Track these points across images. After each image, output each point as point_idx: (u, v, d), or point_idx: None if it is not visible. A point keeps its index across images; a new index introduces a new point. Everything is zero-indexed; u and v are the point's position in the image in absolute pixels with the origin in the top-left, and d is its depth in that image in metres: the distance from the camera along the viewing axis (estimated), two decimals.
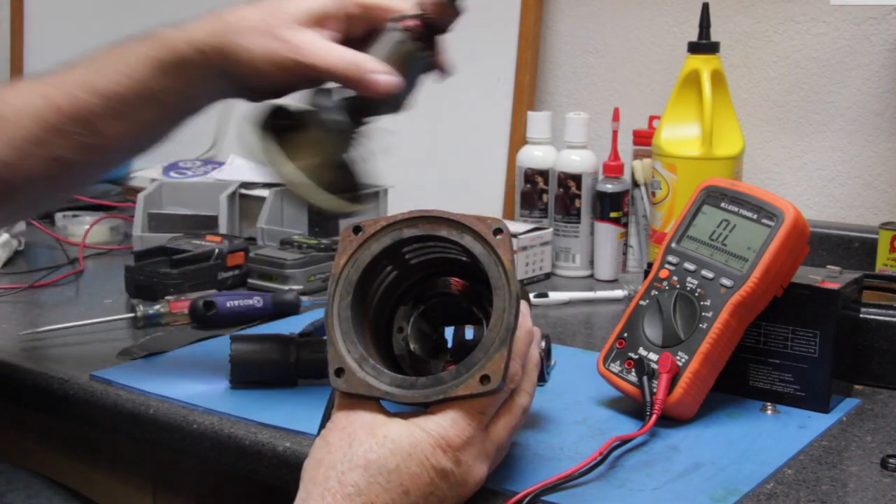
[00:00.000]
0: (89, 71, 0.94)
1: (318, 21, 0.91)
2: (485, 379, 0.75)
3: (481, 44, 1.62)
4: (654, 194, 1.38)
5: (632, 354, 0.95)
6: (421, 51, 0.92)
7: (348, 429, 0.75)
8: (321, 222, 1.48)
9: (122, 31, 2.06)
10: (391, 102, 0.92)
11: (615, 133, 1.47)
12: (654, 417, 0.90)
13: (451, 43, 1.64)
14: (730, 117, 1.36)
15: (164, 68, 0.93)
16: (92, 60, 0.95)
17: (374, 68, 0.89)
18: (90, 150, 0.94)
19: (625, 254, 1.48)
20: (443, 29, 0.93)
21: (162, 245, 1.39)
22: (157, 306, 1.20)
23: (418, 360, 0.84)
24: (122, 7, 2.02)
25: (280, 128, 0.90)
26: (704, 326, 0.93)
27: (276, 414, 0.95)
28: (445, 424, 0.74)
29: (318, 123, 0.90)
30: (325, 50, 0.89)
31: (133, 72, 0.93)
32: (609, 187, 1.45)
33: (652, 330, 0.96)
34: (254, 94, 0.94)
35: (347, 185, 0.92)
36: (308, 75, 0.90)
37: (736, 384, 1.00)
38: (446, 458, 0.74)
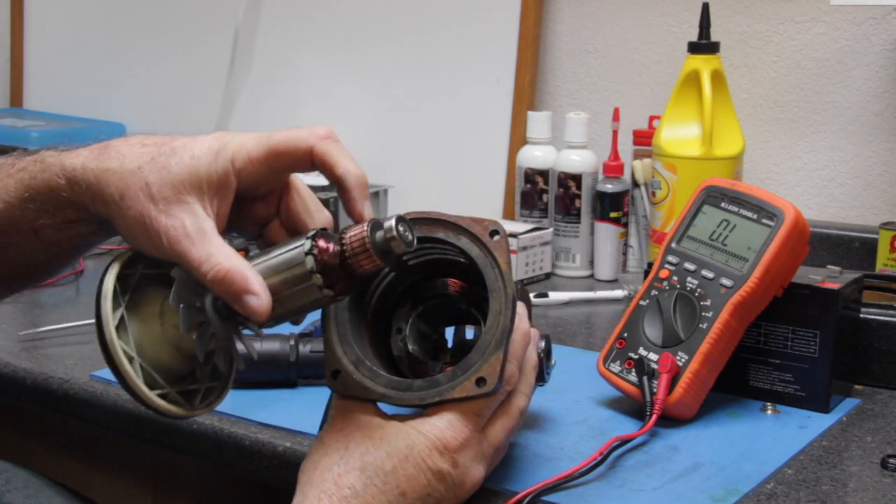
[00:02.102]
0: None
1: (207, 187, 0.74)
2: (480, 381, 0.75)
3: (481, 44, 1.62)
4: (654, 194, 1.38)
5: (632, 354, 0.95)
6: (322, 287, 0.72)
7: (345, 430, 0.75)
8: None
9: (121, 30, 2.06)
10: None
11: (615, 133, 1.47)
12: (654, 417, 0.90)
13: (451, 43, 1.65)
14: (730, 117, 1.35)
15: (34, 199, 0.77)
16: None
17: (245, 288, 0.72)
18: None
19: (625, 254, 1.48)
20: (358, 275, 0.74)
21: None
22: None
23: (416, 361, 0.83)
24: (122, 7, 2.02)
25: (145, 279, 0.75)
26: (704, 326, 0.93)
27: (276, 414, 0.95)
28: (442, 426, 0.74)
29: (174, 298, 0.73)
30: (197, 246, 0.72)
31: (7, 195, 0.78)
32: (609, 187, 1.45)
33: (652, 330, 0.96)
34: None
35: (185, 379, 0.76)
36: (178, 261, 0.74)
37: (736, 384, 1.00)
38: (443, 460, 0.74)
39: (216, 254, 0.72)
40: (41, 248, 0.79)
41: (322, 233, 0.74)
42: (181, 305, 0.73)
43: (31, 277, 0.85)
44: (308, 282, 0.73)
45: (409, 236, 0.74)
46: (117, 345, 0.72)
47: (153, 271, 0.76)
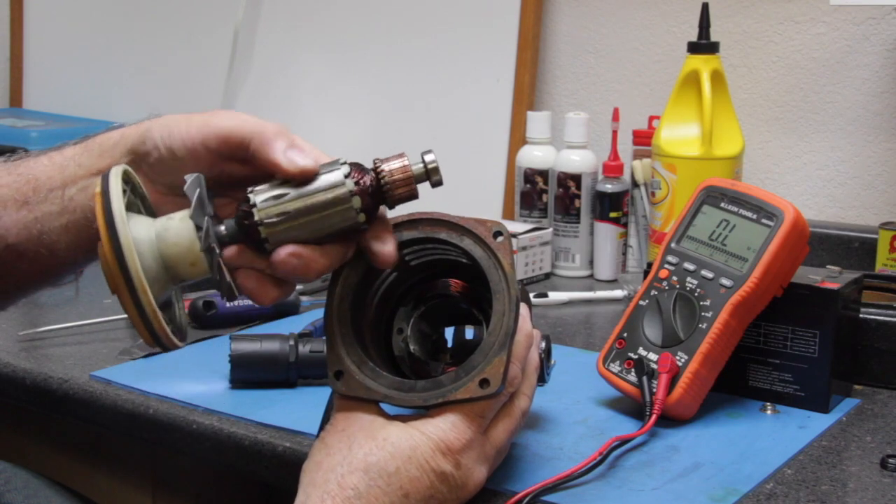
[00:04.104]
0: (30, 155, 0.86)
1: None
2: (484, 383, 0.75)
3: (481, 44, 1.62)
4: (653, 194, 1.38)
5: (631, 354, 0.95)
6: (358, 211, 0.75)
7: (347, 431, 0.75)
8: None
9: (121, 30, 2.06)
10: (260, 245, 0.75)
11: (615, 133, 1.47)
12: (653, 417, 0.90)
13: (451, 43, 1.65)
14: (729, 117, 1.36)
15: (85, 151, 0.83)
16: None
17: (288, 143, 0.76)
18: None
19: (624, 254, 1.48)
20: (389, 203, 0.76)
21: None
22: None
23: (418, 362, 0.83)
24: (122, 8, 2.02)
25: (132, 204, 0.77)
26: (704, 326, 0.93)
27: (276, 414, 0.95)
28: (445, 428, 0.74)
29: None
30: (239, 115, 0.79)
31: (59, 156, 0.84)
32: (609, 187, 1.45)
33: (652, 330, 0.96)
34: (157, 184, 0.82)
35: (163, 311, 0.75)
36: (217, 136, 0.78)
37: (736, 384, 1.00)
38: (446, 461, 0.74)
39: (270, 122, 0.77)
40: (55, 214, 0.82)
41: (351, 164, 0.76)
42: (206, 218, 0.73)
43: (37, 254, 0.85)
44: (349, 213, 0.74)
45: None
46: (129, 235, 0.70)
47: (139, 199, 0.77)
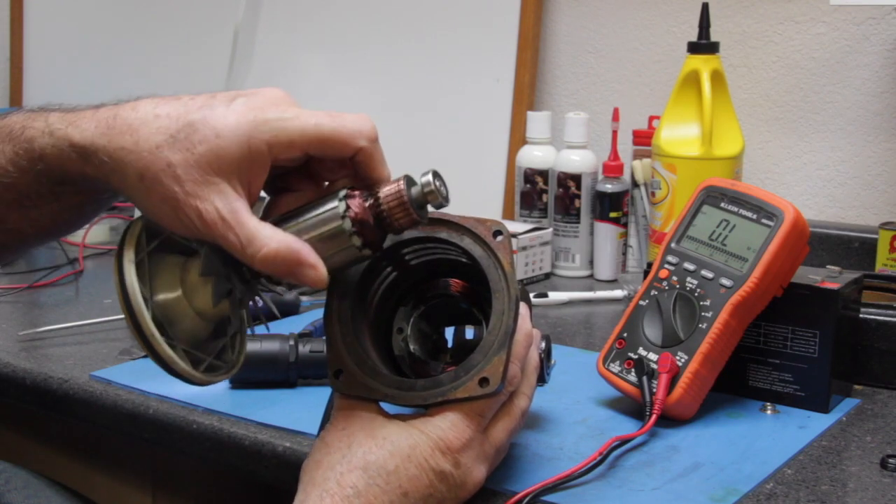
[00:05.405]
0: (25, 123, 0.76)
1: (238, 168, 0.71)
2: (483, 382, 0.75)
3: (481, 44, 1.62)
4: (653, 194, 1.38)
5: (631, 354, 0.95)
6: (355, 243, 0.74)
7: (347, 430, 0.75)
8: None
9: (121, 30, 2.06)
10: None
11: (615, 133, 1.47)
12: (653, 417, 0.90)
13: (451, 43, 1.65)
14: (729, 117, 1.36)
15: (50, 170, 0.74)
16: None
17: (299, 262, 0.71)
18: None
19: (624, 254, 1.48)
20: (394, 230, 0.75)
21: None
22: None
23: (418, 361, 0.83)
24: (122, 7, 2.02)
25: (154, 253, 0.74)
26: (704, 326, 0.93)
27: (276, 414, 0.95)
28: (444, 427, 0.74)
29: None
30: (235, 229, 0.71)
31: (18, 166, 0.75)
32: (609, 187, 1.45)
33: (652, 330, 0.96)
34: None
35: (204, 344, 0.75)
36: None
37: (736, 384, 1.00)
38: (445, 460, 0.74)
39: (258, 235, 0.71)
40: (76, 205, 0.79)
41: (351, 192, 0.74)
42: (213, 277, 0.73)
43: (57, 225, 0.82)
44: (346, 243, 0.73)
45: (444, 190, 0.75)
46: (136, 284, 0.69)
47: (159, 243, 0.75)
